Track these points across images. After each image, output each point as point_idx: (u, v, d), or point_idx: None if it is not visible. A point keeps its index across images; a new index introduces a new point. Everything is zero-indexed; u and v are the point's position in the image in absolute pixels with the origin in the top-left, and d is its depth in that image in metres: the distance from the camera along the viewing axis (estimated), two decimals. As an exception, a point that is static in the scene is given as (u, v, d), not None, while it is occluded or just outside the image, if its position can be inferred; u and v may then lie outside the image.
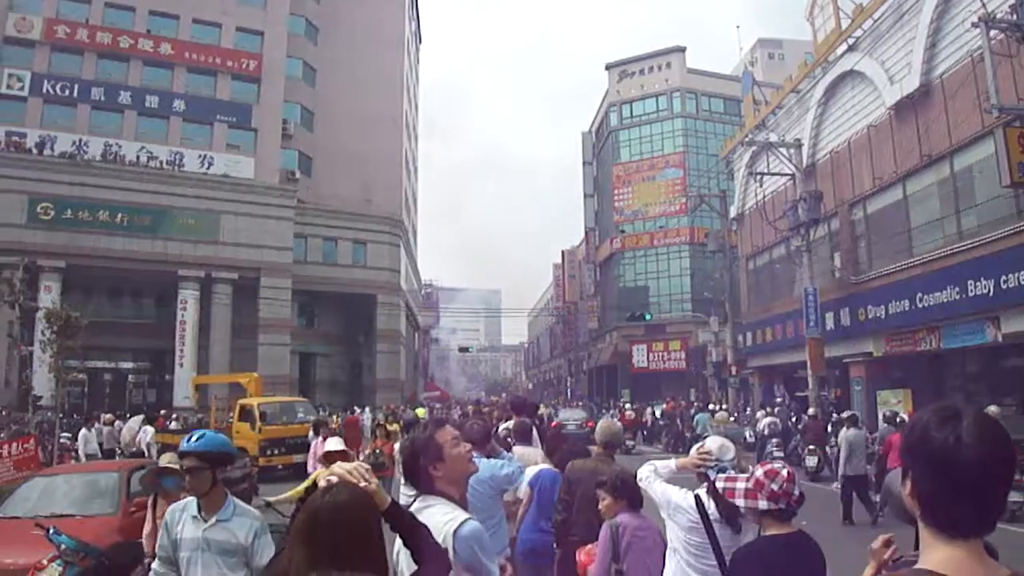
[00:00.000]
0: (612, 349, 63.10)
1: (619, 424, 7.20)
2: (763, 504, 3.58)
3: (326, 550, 2.12)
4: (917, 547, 2.91)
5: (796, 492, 3.58)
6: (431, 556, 2.72)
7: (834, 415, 23.85)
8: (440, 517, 3.25)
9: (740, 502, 3.70)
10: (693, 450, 4.83)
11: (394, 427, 21.02)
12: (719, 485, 3.89)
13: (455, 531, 3.21)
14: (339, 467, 2.60)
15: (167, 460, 6.49)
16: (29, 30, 43.93)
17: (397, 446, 11.81)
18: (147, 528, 6.34)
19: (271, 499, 7.87)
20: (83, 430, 18.92)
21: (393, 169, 59.77)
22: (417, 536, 2.73)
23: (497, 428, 10.12)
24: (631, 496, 4.94)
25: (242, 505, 4.47)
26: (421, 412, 36.36)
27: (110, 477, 10.04)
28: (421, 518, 3.15)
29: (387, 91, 59.12)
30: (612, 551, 4.80)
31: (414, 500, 3.41)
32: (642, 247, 63.80)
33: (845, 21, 27.17)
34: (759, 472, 3.65)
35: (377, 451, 13.24)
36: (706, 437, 5.54)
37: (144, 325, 45.68)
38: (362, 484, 2.47)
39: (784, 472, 3.62)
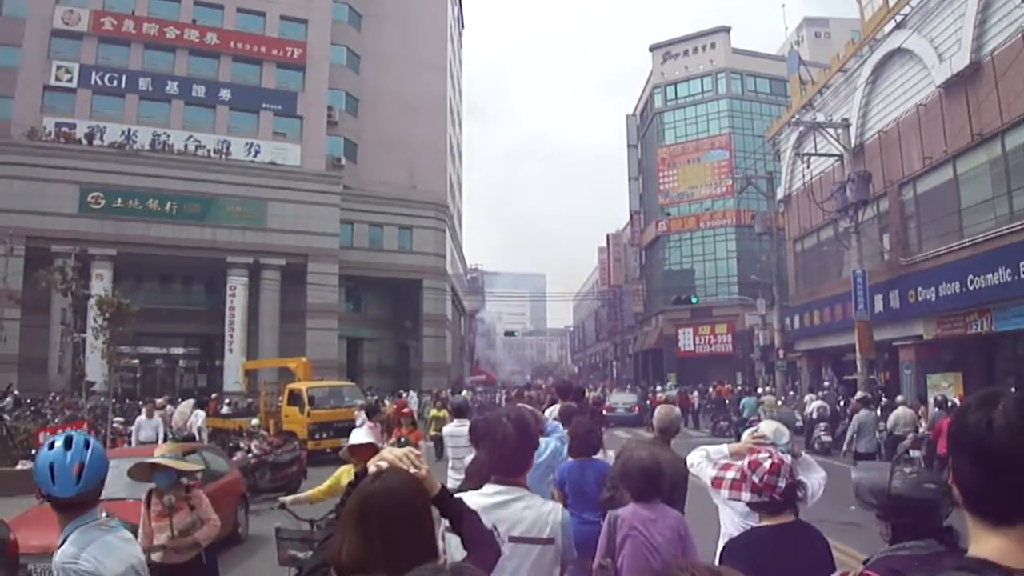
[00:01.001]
0: (658, 333, 62.91)
1: (677, 410, 7.04)
2: (746, 496, 3.49)
3: (378, 535, 2.13)
4: (893, 541, 2.88)
5: (781, 484, 3.44)
6: (481, 541, 2.71)
7: (883, 399, 23.60)
8: (540, 508, 3.26)
9: (724, 493, 3.62)
10: (746, 435, 4.75)
11: (442, 412, 21.05)
12: (711, 473, 3.82)
13: (561, 519, 3.25)
14: (389, 452, 2.61)
15: (164, 452, 6.75)
16: (76, 22, 44.58)
17: (447, 429, 10.60)
18: (141, 527, 6.43)
19: (287, 499, 7.60)
20: (140, 416, 19.10)
21: (437, 154, 59.81)
22: (467, 522, 2.72)
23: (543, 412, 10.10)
24: (635, 487, 4.64)
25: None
26: (466, 394, 36.53)
27: (161, 461, 10.19)
28: (513, 510, 3.21)
29: (431, 77, 59.11)
30: (607, 543, 4.59)
31: (460, 486, 3.37)
32: (688, 230, 63.42)
33: (893, -2, 26.72)
34: (744, 463, 3.56)
35: (402, 439, 12.72)
36: (753, 421, 5.45)
37: (194, 311, 46.32)
38: (412, 470, 2.49)
39: (767, 463, 3.49)
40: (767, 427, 4.55)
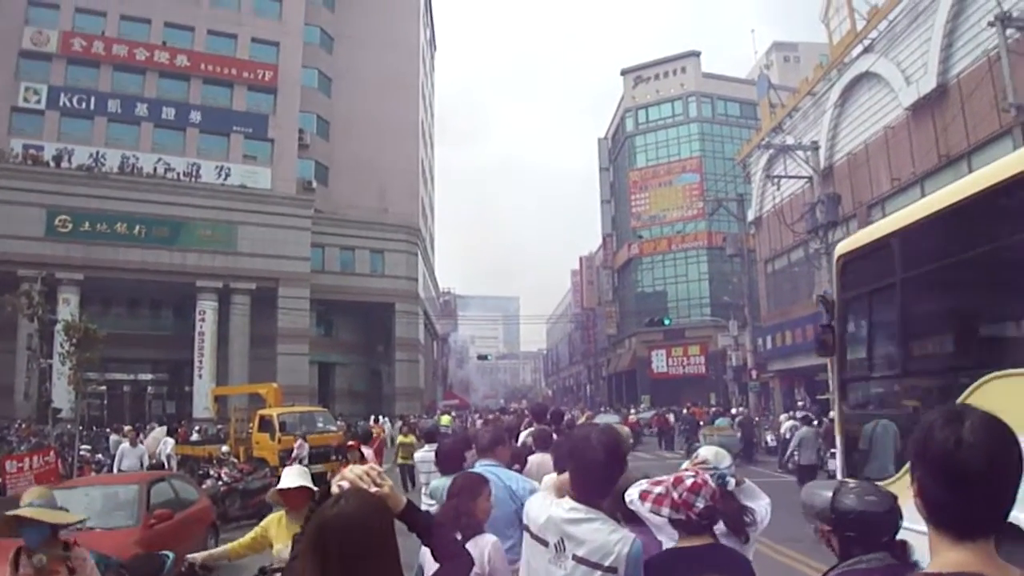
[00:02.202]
0: (631, 355, 63.04)
1: (626, 430, 6.98)
2: (665, 511, 3.38)
3: (336, 563, 2.06)
4: (842, 555, 2.87)
5: (699, 504, 3.26)
6: (452, 554, 2.67)
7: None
8: (608, 535, 3.17)
9: (647, 506, 3.53)
10: (686, 463, 4.66)
11: (408, 439, 20.68)
12: (641, 487, 3.72)
13: (628, 551, 3.15)
14: (350, 471, 2.55)
15: (32, 501, 4.86)
16: (45, 43, 44.24)
17: (419, 455, 10.58)
18: None
19: (196, 557, 5.33)
20: (124, 444, 18.70)
21: (409, 177, 59.83)
22: (437, 536, 2.67)
23: (518, 436, 9.96)
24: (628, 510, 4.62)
25: None
26: (446, 420, 36.32)
27: (130, 489, 10.03)
28: (583, 529, 3.15)
29: (403, 99, 59.23)
30: None
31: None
32: (660, 252, 63.83)
33: (860, 22, 27.08)
34: (670, 478, 3.44)
35: (339, 483, 11.34)
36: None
37: (162, 337, 45.82)
38: (373, 489, 2.42)
39: (689, 481, 3.34)
40: (707, 451, 4.42)
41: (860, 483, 2.96)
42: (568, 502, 3.30)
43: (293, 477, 5.33)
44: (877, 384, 8.09)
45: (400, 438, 21.85)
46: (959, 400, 5.68)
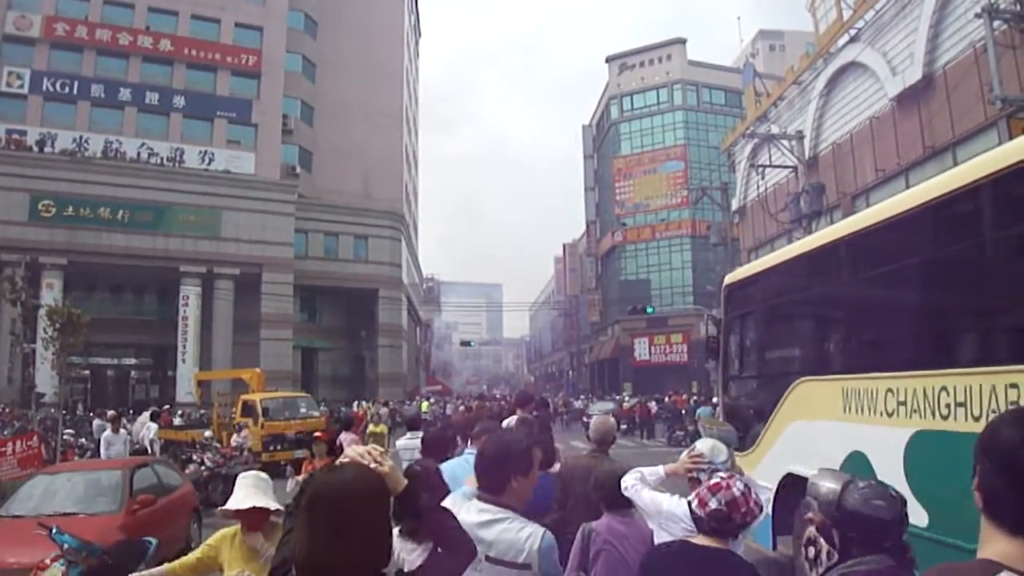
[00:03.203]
0: (614, 342, 63.16)
1: (612, 420, 6.95)
2: (701, 513, 3.32)
3: (324, 529, 2.09)
4: (841, 554, 2.89)
5: (712, 503, 3.29)
6: (454, 539, 2.67)
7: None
8: (517, 533, 3.19)
9: (694, 501, 3.52)
10: (683, 455, 4.68)
11: (380, 428, 20.22)
12: (710, 479, 3.71)
13: (539, 546, 3.18)
14: (352, 450, 2.56)
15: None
16: (28, 28, 43.87)
17: (401, 443, 10.35)
18: None
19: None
20: (106, 432, 18.50)
21: (393, 163, 59.77)
22: (439, 520, 2.68)
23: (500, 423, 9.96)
24: (608, 497, 4.62)
25: None
26: (425, 406, 36.36)
27: (112, 475, 10.04)
28: (493, 531, 3.15)
29: (387, 85, 59.13)
30: (580, 557, 4.52)
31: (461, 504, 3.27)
32: (643, 240, 63.88)
33: (847, 12, 27.10)
34: (712, 481, 3.42)
35: (300, 479, 8.90)
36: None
37: (146, 321, 45.73)
38: (373, 466, 2.43)
39: (713, 481, 3.41)
40: (704, 445, 4.44)
41: (870, 484, 2.94)
42: (477, 504, 3.31)
43: (247, 493, 4.29)
44: (744, 382, 10.86)
45: (371, 428, 20.98)
46: (785, 396, 8.56)
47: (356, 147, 53.69)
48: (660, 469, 4.70)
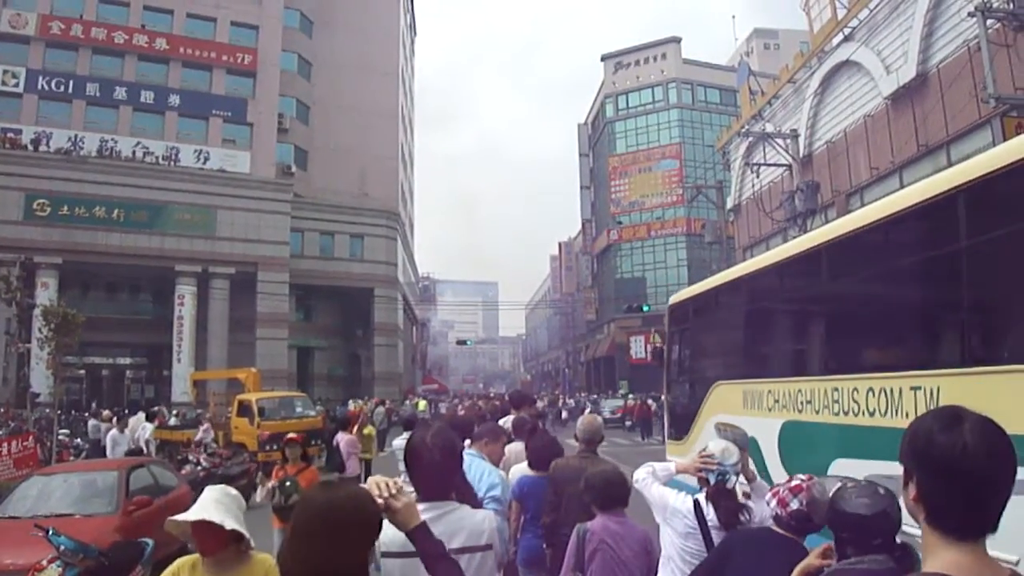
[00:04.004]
0: (610, 340, 63.22)
1: (599, 419, 7.02)
2: (781, 512, 3.59)
3: (305, 544, 2.13)
4: (838, 555, 2.95)
5: (793, 504, 3.55)
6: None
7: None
8: (473, 517, 3.21)
9: (772, 500, 3.67)
10: (695, 453, 4.72)
11: (368, 430, 19.32)
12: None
13: (496, 525, 3.24)
14: (373, 481, 2.55)
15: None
16: (24, 26, 43.75)
17: (396, 442, 9.96)
18: None
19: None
20: (112, 431, 18.41)
21: (389, 162, 59.73)
22: (442, 567, 2.64)
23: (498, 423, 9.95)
24: (600, 498, 4.69)
25: None
26: (422, 405, 36.33)
27: (108, 476, 10.01)
28: (447, 522, 3.12)
29: (382, 84, 59.06)
30: (576, 557, 4.59)
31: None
32: (639, 238, 63.99)
33: (841, 11, 27.12)
34: (793, 483, 3.64)
35: (287, 483, 8.15)
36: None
37: (141, 321, 45.67)
38: (389, 501, 2.46)
39: (794, 483, 3.62)
40: (715, 446, 4.49)
41: (859, 484, 2.99)
42: (420, 504, 3.15)
43: (202, 506, 3.57)
44: (681, 384, 12.91)
45: (367, 429, 19.46)
46: (707, 396, 10.64)
47: (352, 146, 53.69)
48: (671, 465, 4.76)
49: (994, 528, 1.66)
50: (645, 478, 4.60)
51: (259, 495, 8.60)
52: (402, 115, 65.70)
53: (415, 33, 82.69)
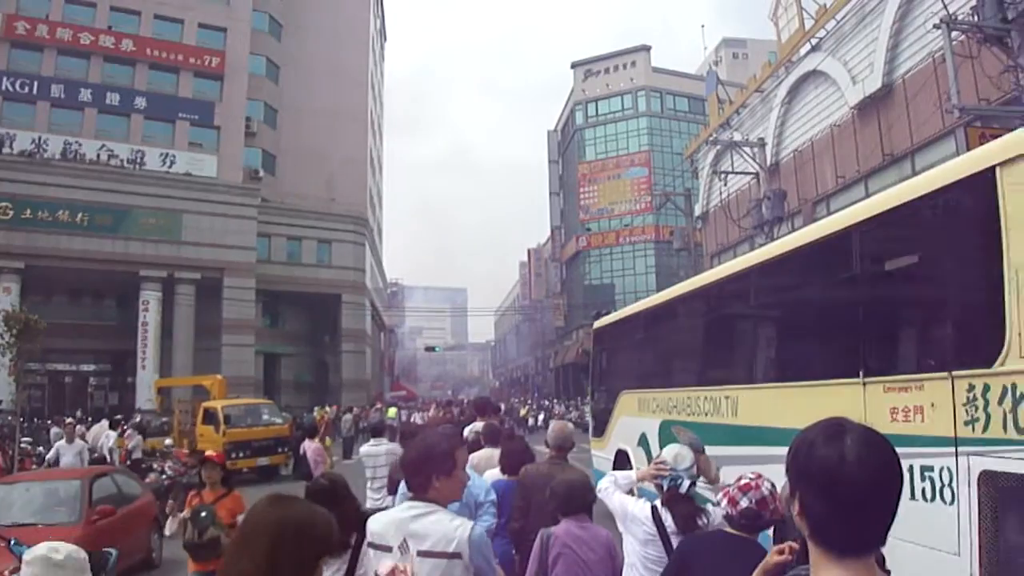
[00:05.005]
0: (578, 347, 63.22)
1: (570, 426, 7.11)
2: (732, 512, 3.62)
3: (250, 565, 2.05)
4: (806, 560, 2.95)
5: (743, 503, 3.59)
6: None
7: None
8: (448, 523, 3.30)
9: (722, 500, 3.69)
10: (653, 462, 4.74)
11: (326, 442, 19.00)
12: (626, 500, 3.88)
13: (469, 535, 3.27)
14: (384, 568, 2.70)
15: None
16: (-12, 27, 43.13)
17: (364, 449, 9.79)
18: None
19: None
20: (60, 441, 17.93)
21: (358, 167, 59.50)
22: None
23: (462, 430, 9.91)
24: (563, 504, 4.70)
25: None
26: (392, 412, 36.21)
27: (71, 485, 9.90)
28: (423, 523, 3.27)
29: (352, 88, 58.84)
30: (539, 561, 4.59)
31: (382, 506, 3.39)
32: (608, 245, 64.24)
33: (809, 22, 27.38)
34: (743, 482, 3.66)
35: (201, 513, 6.64)
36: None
37: (105, 327, 45.05)
38: None
39: (744, 481, 3.64)
40: (668, 452, 4.52)
41: None
42: (407, 503, 3.47)
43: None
44: (601, 392, 15.66)
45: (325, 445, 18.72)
46: (616, 401, 13.72)
47: (320, 150, 53.38)
48: (632, 474, 4.83)
49: (881, 543, 1.65)
50: (607, 487, 4.67)
51: (169, 527, 7.04)
52: (371, 120, 65.48)
53: (385, 38, 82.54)
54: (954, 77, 15.43)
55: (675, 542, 4.13)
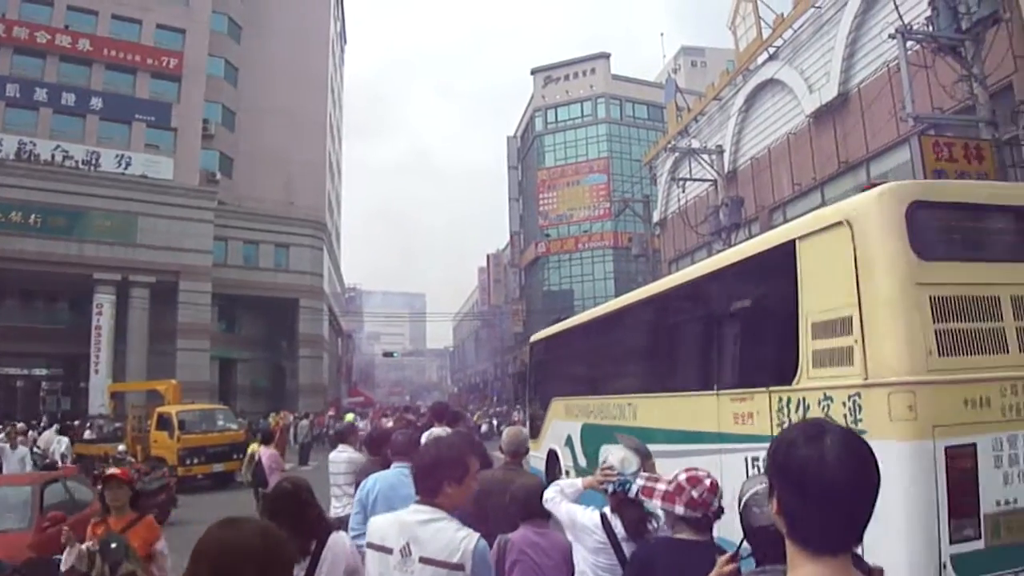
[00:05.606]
0: (521, 358, 63.42)
1: (525, 431, 7.20)
2: (679, 509, 3.52)
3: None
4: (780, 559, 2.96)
5: (716, 504, 3.55)
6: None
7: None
8: (454, 533, 3.28)
9: (656, 503, 3.65)
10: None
11: (251, 448, 18.19)
12: (639, 482, 3.84)
13: (475, 547, 3.25)
14: None
15: None
16: (-60, 25, 42.35)
17: (331, 456, 9.90)
18: None
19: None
20: (4, 446, 17.48)
21: (316, 171, 59.22)
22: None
23: (420, 436, 9.83)
24: (522, 509, 4.72)
25: None
26: (349, 417, 36.02)
27: (21, 491, 9.73)
28: (428, 529, 3.27)
29: (311, 91, 58.58)
30: (496, 568, 4.46)
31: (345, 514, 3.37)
32: (567, 251, 64.45)
33: (766, 31, 27.61)
34: (682, 476, 3.59)
35: (111, 544, 5.74)
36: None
37: (58, 330, 44.35)
38: None
39: (707, 481, 3.57)
40: (614, 457, 4.50)
41: (758, 491, 2.98)
42: (414, 507, 3.43)
43: None
44: (536, 399, 17.24)
45: (252, 447, 17.52)
46: (549, 407, 15.33)
47: (278, 154, 53.00)
48: (578, 482, 4.77)
49: (857, 542, 1.71)
50: (554, 497, 4.60)
51: (66, 559, 5.70)
52: (330, 124, 65.24)
53: (345, 41, 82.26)
54: (909, 86, 15.60)
55: (627, 549, 4.09)
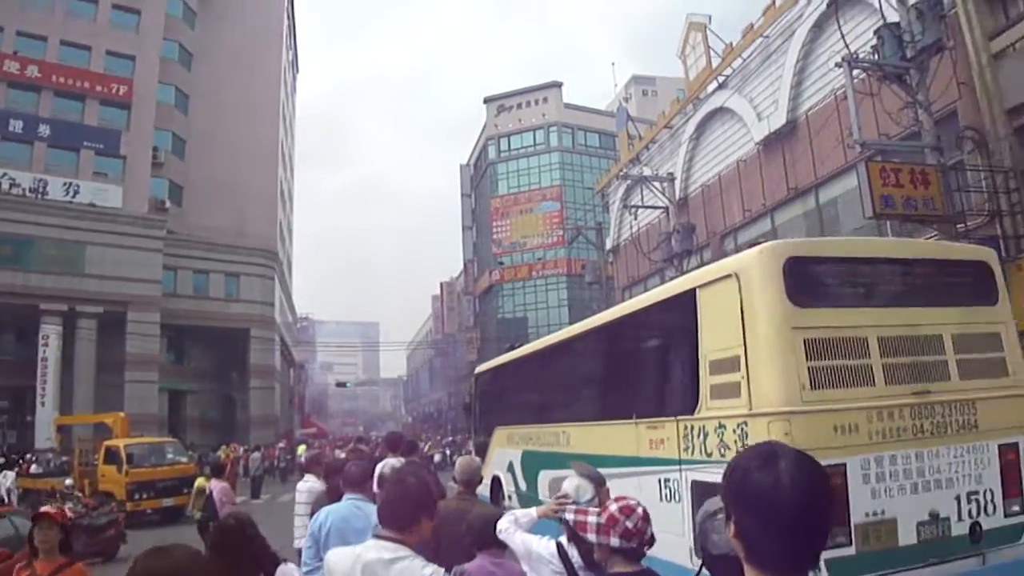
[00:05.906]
0: (469, 388, 63.30)
1: (478, 460, 7.34)
2: (615, 541, 3.46)
3: None
4: None
5: (649, 532, 3.51)
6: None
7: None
8: (420, 570, 3.21)
9: (592, 537, 3.61)
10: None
11: (199, 482, 16.76)
12: (568, 517, 3.81)
13: None
14: None
15: None
16: None
17: (299, 485, 9.86)
18: None
19: None
20: None
21: (268, 199, 58.83)
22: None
23: (374, 466, 9.72)
24: (478, 538, 4.65)
25: None
26: (301, 449, 35.71)
27: (-36, 527, 9.45)
28: (395, 569, 3.17)
29: (262, 120, 58.33)
30: None
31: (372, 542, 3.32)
32: (520, 279, 64.56)
33: (716, 60, 27.98)
34: (613, 507, 3.54)
35: None
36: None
37: (3, 362, 43.28)
38: None
39: (640, 510, 3.53)
40: (568, 485, 4.49)
41: (714, 518, 2.97)
42: (377, 542, 3.33)
43: None
44: (481, 428, 17.59)
45: (200, 481, 16.19)
46: (493, 435, 15.84)
47: (229, 182, 52.58)
48: (533, 511, 4.74)
49: (814, 565, 1.71)
50: (508, 527, 4.56)
51: None
52: (282, 152, 64.97)
53: (297, 70, 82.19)
54: (855, 113, 15.85)
55: None
